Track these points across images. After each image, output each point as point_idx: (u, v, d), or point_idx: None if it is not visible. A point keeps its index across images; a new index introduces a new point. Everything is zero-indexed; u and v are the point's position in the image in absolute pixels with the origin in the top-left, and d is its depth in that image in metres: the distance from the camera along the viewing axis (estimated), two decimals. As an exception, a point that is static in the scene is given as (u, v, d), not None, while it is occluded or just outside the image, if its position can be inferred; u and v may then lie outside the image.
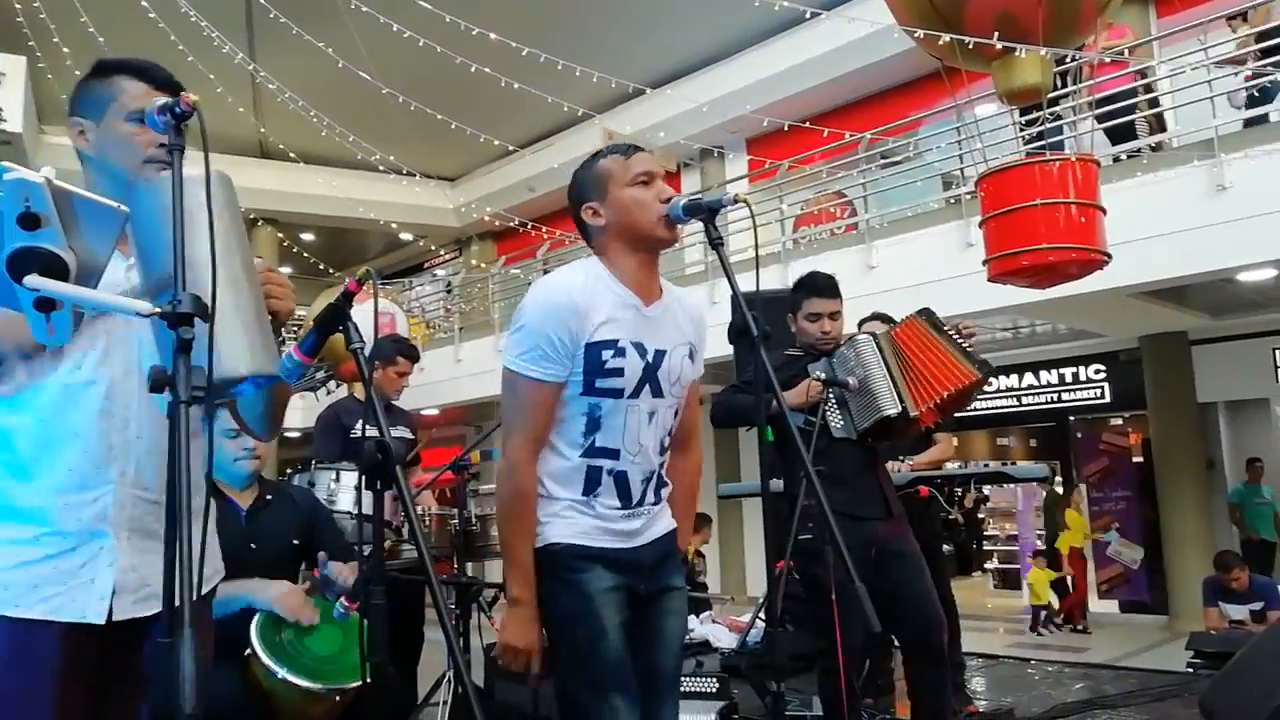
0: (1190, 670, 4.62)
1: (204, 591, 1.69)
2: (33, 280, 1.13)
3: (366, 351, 1.35)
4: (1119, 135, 7.54)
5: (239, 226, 1.42)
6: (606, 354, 1.85)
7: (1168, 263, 6.57)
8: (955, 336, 3.21)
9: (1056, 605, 10.20)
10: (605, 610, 1.83)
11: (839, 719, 2.98)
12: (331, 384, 6.40)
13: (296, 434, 13.40)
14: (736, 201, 1.82)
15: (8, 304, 1.19)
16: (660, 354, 1.92)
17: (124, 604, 1.50)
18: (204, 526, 1.12)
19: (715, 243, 1.82)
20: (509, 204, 14.06)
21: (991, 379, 3.25)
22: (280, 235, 14.69)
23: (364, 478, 1.27)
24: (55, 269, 1.15)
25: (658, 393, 1.91)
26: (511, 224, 12.54)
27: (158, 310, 1.18)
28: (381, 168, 11.57)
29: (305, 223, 15.19)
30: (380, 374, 4.05)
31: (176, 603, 1.07)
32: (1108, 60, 6.75)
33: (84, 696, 1.50)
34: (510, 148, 11.40)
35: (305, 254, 13.94)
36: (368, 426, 1.28)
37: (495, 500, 1.98)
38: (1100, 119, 7.19)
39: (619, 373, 1.86)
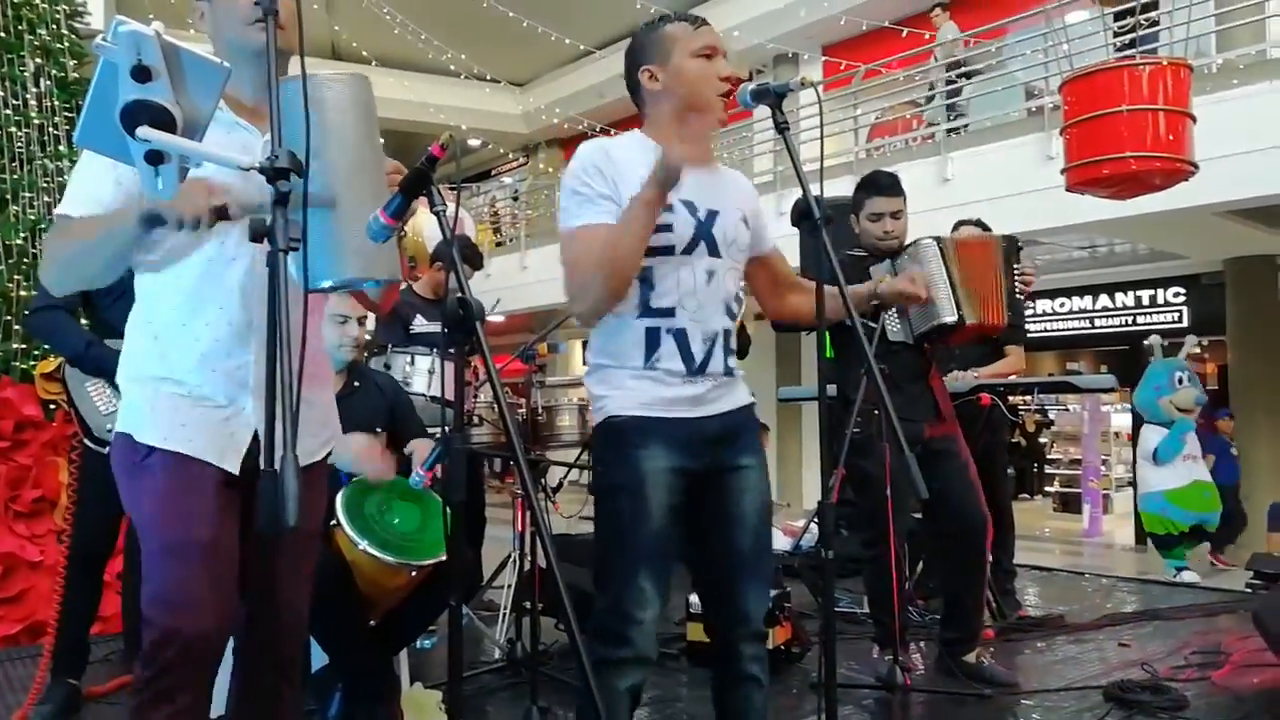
0: (1248, 590, 4.59)
1: (322, 456, 1.80)
2: (145, 132, 1.21)
3: (449, 212, 1.41)
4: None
5: (368, 127, 1.49)
6: None
7: (1261, 179, 6.29)
8: (1016, 278, 3.22)
9: None
10: (655, 492, 1.77)
11: (887, 611, 3.06)
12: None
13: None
14: (804, 85, 1.83)
15: (119, 156, 1.28)
16: (713, 214, 1.87)
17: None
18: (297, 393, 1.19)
19: (781, 127, 1.81)
20: (578, 110, 13.96)
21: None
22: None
23: (445, 333, 1.34)
24: (164, 122, 1.22)
25: (714, 251, 1.86)
26: (580, 128, 12.47)
27: (255, 165, 1.26)
28: (453, 67, 11.54)
29: (376, 126, 15.30)
30: (440, 275, 4.05)
31: (278, 432, 1.17)
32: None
33: (235, 536, 1.63)
34: (581, 47, 11.26)
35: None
36: (451, 291, 1.35)
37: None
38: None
39: (668, 228, 1.80)
